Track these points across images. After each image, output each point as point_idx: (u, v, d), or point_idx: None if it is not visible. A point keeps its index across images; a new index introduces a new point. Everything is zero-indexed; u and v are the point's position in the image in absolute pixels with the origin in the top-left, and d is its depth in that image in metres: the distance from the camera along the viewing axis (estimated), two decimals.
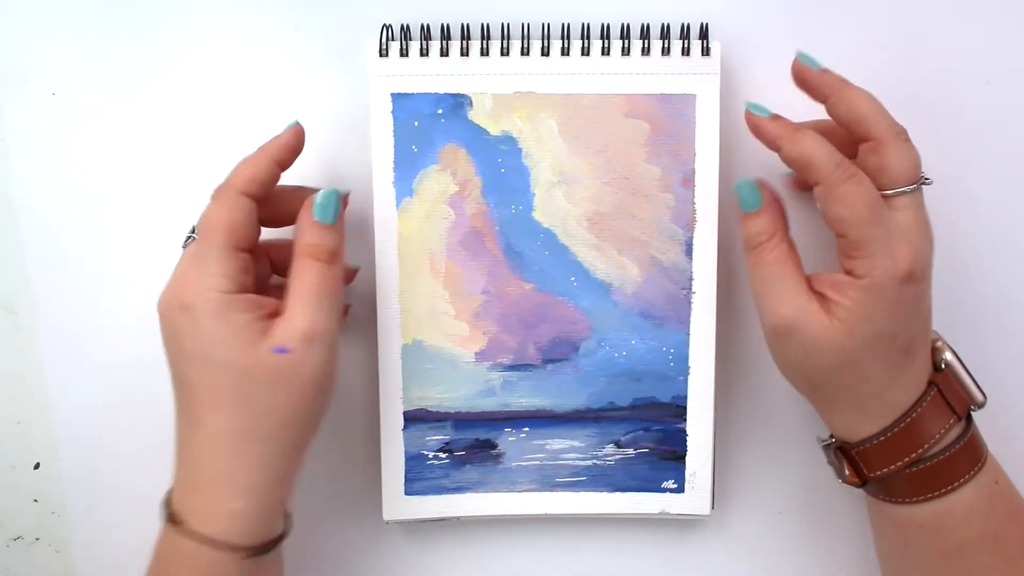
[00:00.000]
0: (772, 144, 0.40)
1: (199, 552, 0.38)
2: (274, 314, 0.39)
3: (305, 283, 0.40)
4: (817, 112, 0.43)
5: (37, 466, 0.50)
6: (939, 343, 0.41)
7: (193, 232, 0.41)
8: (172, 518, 0.39)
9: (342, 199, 0.41)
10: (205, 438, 0.38)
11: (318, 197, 0.41)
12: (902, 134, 0.39)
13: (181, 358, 0.39)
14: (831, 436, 0.42)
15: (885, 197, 0.38)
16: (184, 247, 0.41)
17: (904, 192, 0.38)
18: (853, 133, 0.39)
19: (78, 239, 0.47)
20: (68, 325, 0.48)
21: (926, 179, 0.39)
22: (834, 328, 0.38)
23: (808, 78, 0.40)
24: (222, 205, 0.40)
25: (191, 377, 0.39)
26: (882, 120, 0.39)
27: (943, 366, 0.41)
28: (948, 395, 0.40)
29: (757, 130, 0.40)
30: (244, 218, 0.40)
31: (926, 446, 0.39)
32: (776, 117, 0.40)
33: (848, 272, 0.38)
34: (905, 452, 0.39)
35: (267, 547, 0.39)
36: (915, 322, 0.39)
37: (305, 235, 0.40)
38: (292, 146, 0.41)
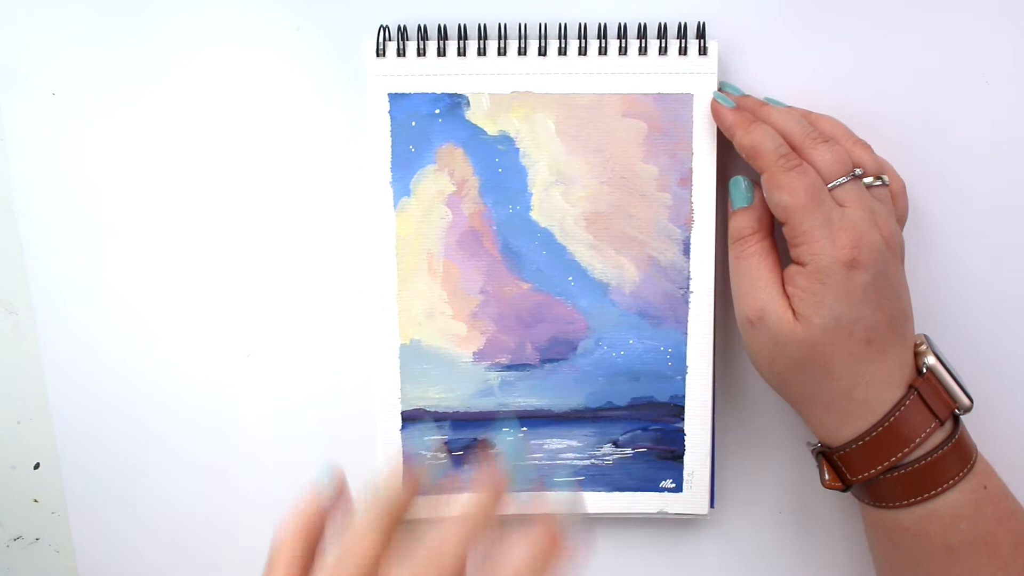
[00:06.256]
0: (728, 131, 0.42)
1: None
2: None
3: None
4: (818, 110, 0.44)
5: (37, 466, 0.50)
6: (923, 347, 0.41)
7: None
8: None
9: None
10: None
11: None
12: (817, 137, 0.40)
13: None
14: (819, 441, 0.42)
15: None
16: None
17: (836, 186, 0.40)
18: None
19: (78, 239, 0.47)
20: (68, 325, 0.48)
21: (855, 173, 0.40)
22: (795, 319, 0.39)
23: (739, 104, 0.43)
24: None
25: None
26: (796, 129, 0.41)
27: (925, 370, 0.40)
28: (929, 399, 0.40)
29: (716, 116, 0.43)
30: None
31: (906, 450, 0.39)
32: (738, 108, 0.42)
33: (796, 262, 0.40)
34: (885, 456, 0.39)
35: None
36: (873, 314, 0.39)
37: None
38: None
